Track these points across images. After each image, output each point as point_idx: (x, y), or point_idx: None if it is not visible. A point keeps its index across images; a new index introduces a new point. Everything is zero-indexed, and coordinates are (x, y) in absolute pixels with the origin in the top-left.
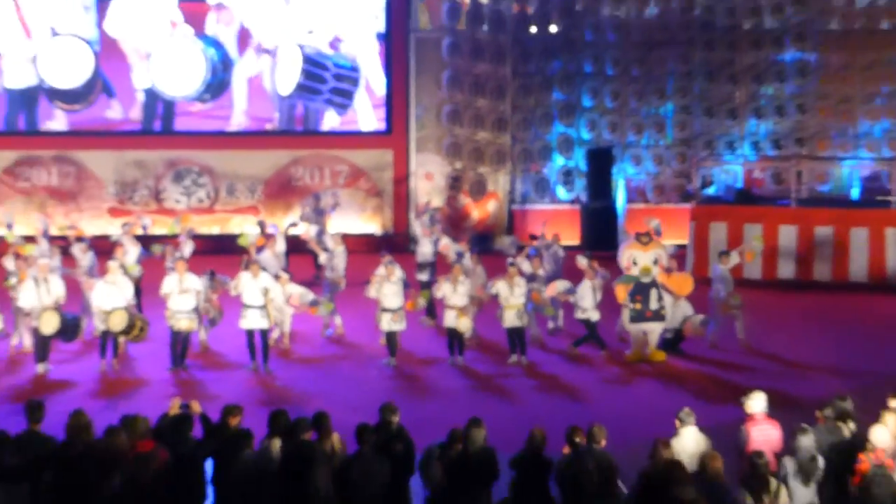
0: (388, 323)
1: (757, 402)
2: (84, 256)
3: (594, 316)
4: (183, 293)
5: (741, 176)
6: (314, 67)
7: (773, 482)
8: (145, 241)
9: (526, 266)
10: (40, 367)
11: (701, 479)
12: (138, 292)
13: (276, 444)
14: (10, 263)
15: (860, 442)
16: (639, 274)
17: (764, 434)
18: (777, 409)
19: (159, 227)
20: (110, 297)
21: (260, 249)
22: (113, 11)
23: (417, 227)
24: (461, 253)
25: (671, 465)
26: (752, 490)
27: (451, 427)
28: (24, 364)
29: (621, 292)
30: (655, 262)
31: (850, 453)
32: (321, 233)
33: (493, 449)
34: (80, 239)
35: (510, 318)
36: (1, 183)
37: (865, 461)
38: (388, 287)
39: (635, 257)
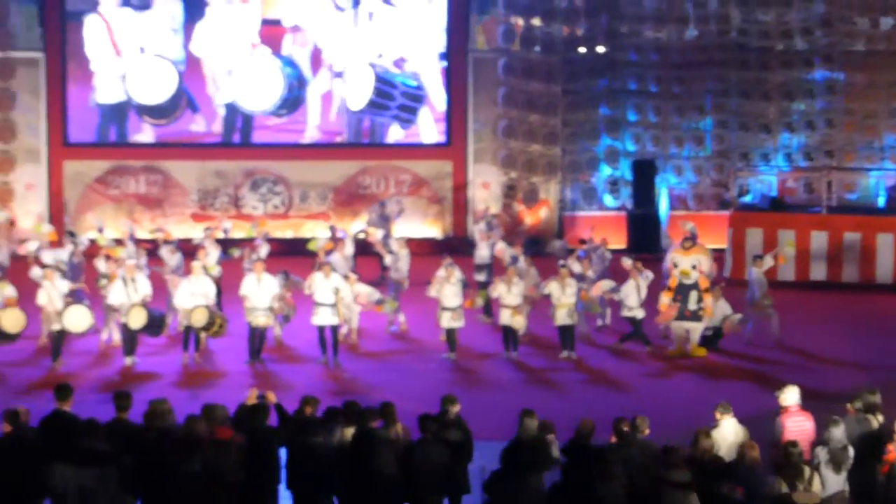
0: (447, 320)
1: (791, 395)
2: (172, 257)
3: (639, 314)
4: (261, 292)
5: (775, 185)
6: (384, 86)
7: (807, 470)
8: (225, 244)
9: (576, 267)
10: (128, 360)
11: (739, 466)
12: (218, 291)
13: (349, 431)
14: (101, 265)
15: (888, 433)
16: (679, 276)
17: (798, 425)
18: (809, 402)
19: (238, 231)
20: (192, 295)
21: (330, 252)
22: (198, 33)
23: (475, 232)
24: (516, 256)
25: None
26: (787, 477)
27: (509, 415)
28: (113, 357)
29: (664, 300)
30: (694, 266)
31: (879, 443)
32: (387, 237)
33: (545, 437)
34: (167, 241)
35: (561, 317)
36: (93, 190)
37: (893, 451)
38: (448, 287)
39: (676, 260)
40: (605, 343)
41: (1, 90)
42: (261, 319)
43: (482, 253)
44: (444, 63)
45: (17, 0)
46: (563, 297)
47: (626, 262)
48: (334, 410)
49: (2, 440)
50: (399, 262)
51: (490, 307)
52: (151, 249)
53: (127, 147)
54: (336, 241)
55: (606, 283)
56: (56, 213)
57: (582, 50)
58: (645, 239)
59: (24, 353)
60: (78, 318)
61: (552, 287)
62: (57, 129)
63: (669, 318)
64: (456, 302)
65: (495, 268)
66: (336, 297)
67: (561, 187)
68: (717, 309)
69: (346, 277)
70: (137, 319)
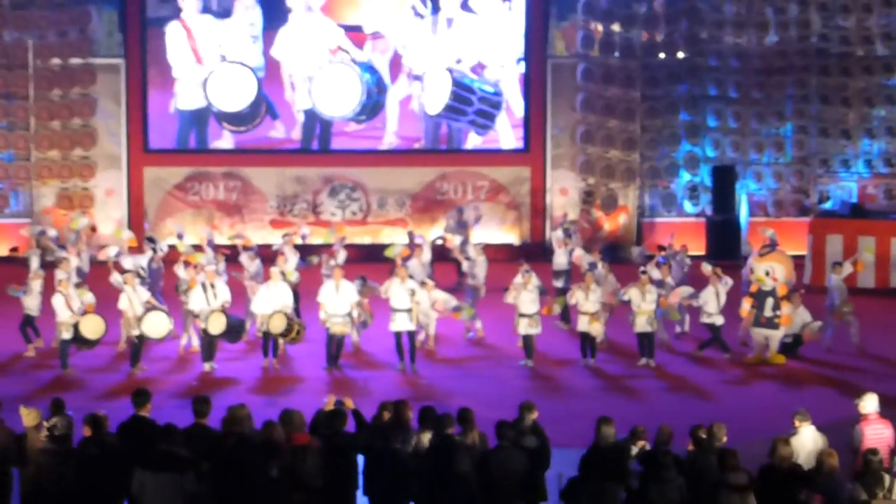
0: (525, 327)
1: (870, 403)
2: (251, 264)
3: (718, 320)
4: (339, 299)
5: (855, 192)
6: (462, 90)
7: (887, 478)
8: (304, 249)
9: (655, 273)
10: (207, 366)
11: (818, 474)
12: (296, 297)
13: (426, 437)
14: (180, 271)
15: None
16: (756, 282)
17: (877, 433)
18: (889, 409)
19: (316, 237)
20: (270, 302)
21: (408, 258)
22: (279, 39)
23: (553, 239)
24: (594, 263)
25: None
26: (866, 485)
27: (586, 422)
28: (192, 363)
29: (745, 307)
30: (768, 272)
31: None
32: (464, 243)
33: (624, 445)
34: (247, 248)
35: (641, 324)
36: (172, 197)
37: None
38: (525, 294)
39: (753, 266)
40: (684, 350)
41: (82, 96)
42: (338, 326)
43: (560, 259)
44: (523, 69)
45: (98, 7)
46: (644, 303)
47: (706, 268)
48: (398, 406)
49: (81, 444)
50: (476, 269)
51: (568, 314)
52: (230, 255)
53: (206, 153)
54: (414, 247)
55: (685, 290)
56: (136, 219)
57: (661, 55)
58: (724, 245)
59: (103, 358)
60: (157, 324)
61: (632, 293)
62: (137, 135)
63: (748, 325)
64: (533, 309)
65: (574, 274)
66: (411, 301)
67: (640, 193)
68: (797, 316)
69: (423, 284)
70: (217, 325)
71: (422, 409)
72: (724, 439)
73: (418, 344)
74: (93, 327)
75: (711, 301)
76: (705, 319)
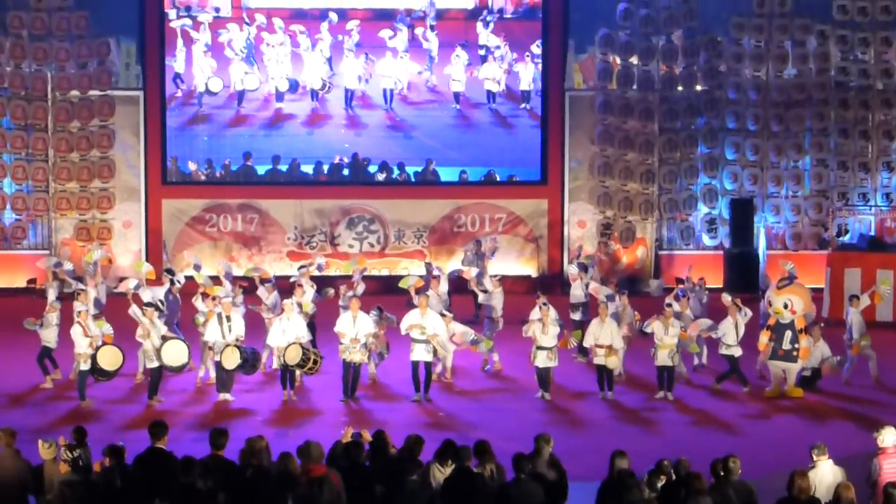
0: (542, 360)
1: (888, 436)
2: (269, 296)
3: (737, 352)
4: (356, 330)
5: (874, 225)
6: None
7: None
8: (321, 280)
9: (674, 306)
10: (222, 397)
11: None
12: (313, 329)
13: (436, 468)
14: (198, 303)
15: None
16: (774, 314)
17: (894, 466)
18: None
19: (333, 268)
20: (285, 334)
21: (423, 289)
22: (305, 71)
23: (568, 273)
24: (611, 295)
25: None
26: None
27: (603, 455)
28: (209, 394)
29: (763, 339)
30: (786, 305)
31: None
32: (481, 275)
33: (638, 477)
34: (264, 280)
35: (662, 357)
36: (190, 228)
37: None
38: (543, 327)
39: (771, 299)
40: (702, 383)
41: (100, 128)
42: (356, 356)
43: (577, 292)
44: (541, 101)
45: (117, 39)
46: (666, 337)
47: (726, 299)
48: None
49: (103, 474)
50: (493, 301)
51: (585, 347)
52: (248, 288)
53: (225, 185)
54: (430, 279)
55: (703, 322)
56: (154, 250)
57: (680, 88)
58: (742, 278)
59: (121, 390)
60: (175, 353)
61: (655, 326)
62: (156, 167)
63: (765, 358)
64: (551, 342)
65: (591, 306)
66: (425, 334)
67: (658, 226)
68: (817, 350)
69: (441, 315)
70: (230, 360)
71: (443, 443)
72: (739, 472)
73: (435, 376)
74: (111, 359)
75: (730, 332)
76: (724, 351)
